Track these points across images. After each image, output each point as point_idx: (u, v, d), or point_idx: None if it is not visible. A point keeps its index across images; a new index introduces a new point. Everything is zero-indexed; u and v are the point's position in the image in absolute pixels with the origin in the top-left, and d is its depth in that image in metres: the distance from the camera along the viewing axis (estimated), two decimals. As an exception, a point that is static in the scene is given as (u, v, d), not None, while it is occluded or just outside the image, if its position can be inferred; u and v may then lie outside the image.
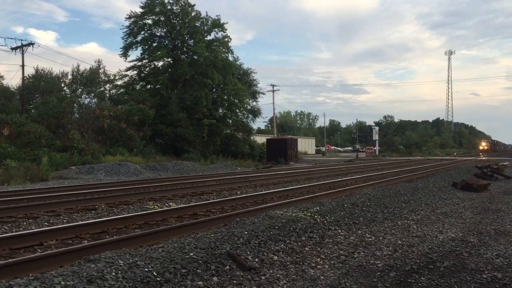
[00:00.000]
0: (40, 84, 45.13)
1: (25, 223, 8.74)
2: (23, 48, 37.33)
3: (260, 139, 54.80)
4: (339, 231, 8.20)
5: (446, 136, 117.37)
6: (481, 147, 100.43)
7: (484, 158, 53.01)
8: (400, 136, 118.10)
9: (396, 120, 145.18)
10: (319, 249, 6.87)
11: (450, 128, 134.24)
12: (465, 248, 7.13)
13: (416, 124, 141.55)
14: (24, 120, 28.03)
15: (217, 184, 17.17)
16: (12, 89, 46.11)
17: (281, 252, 6.45)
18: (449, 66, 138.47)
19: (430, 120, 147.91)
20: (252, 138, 49.37)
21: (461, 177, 19.43)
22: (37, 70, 46.80)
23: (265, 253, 6.29)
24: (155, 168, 27.02)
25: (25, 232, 7.42)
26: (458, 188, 16.53)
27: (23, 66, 37.63)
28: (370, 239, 7.73)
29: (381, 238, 7.88)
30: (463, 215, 10.82)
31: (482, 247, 7.26)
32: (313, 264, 6.04)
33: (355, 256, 6.57)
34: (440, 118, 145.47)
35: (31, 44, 37.59)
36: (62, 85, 46.61)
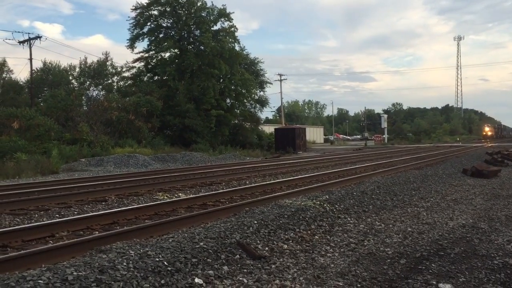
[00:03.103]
0: (48, 77, 45.36)
1: (36, 215, 8.83)
2: (31, 41, 37.48)
3: (268, 129, 54.78)
4: (349, 219, 8.20)
5: (455, 123, 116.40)
6: (484, 133, 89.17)
7: (488, 145, 48.11)
8: (409, 124, 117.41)
9: (404, 107, 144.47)
10: (329, 237, 6.88)
11: (459, 114, 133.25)
12: (476, 235, 7.10)
13: (425, 111, 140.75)
14: (33, 114, 28.20)
15: (226, 174, 17.21)
16: (21, 83, 46.39)
17: (290, 241, 6.47)
18: (458, 51, 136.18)
19: (439, 107, 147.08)
20: (260, 128, 49.34)
21: (471, 164, 19.29)
22: (45, 63, 47.03)
23: (274, 242, 6.30)
24: (164, 159, 27.13)
25: (36, 224, 7.51)
26: (468, 175, 16.42)
27: (31, 59, 37.84)
28: (380, 227, 7.72)
29: (390, 225, 7.87)
30: (474, 201, 10.76)
31: (493, 233, 7.22)
32: (323, 252, 6.04)
33: (365, 243, 6.56)
34: (450, 105, 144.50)
35: (38, 37, 37.77)
36: (70, 77, 46.79)
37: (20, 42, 37.33)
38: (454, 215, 8.94)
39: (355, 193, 10.29)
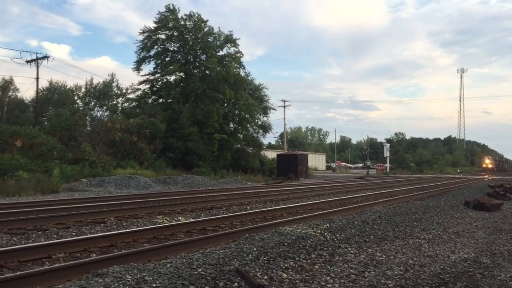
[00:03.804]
0: (53, 97, 45.73)
1: (34, 235, 8.74)
2: (38, 61, 37.89)
3: (271, 154, 54.78)
4: (349, 249, 8.09)
5: (458, 154, 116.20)
6: (484, 165, 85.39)
7: (488, 178, 45.91)
8: (411, 154, 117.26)
9: (407, 137, 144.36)
10: (329, 267, 6.77)
11: (462, 146, 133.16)
12: (478, 269, 6.99)
13: (427, 142, 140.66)
14: (36, 132, 28.33)
15: (227, 199, 17.11)
16: (26, 101, 46.78)
17: (290, 270, 6.37)
18: (461, 84, 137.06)
19: (442, 138, 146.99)
20: (262, 153, 49.38)
21: (473, 196, 19.16)
22: (51, 83, 47.52)
23: (274, 270, 6.21)
24: (165, 182, 27.07)
25: (34, 244, 7.42)
26: (470, 207, 16.29)
27: (37, 78, 38.17)
28: (381, 258, 7.61)
29: (392, 257, 7.76)
30: (476, 235, 10.64)
31: (495, 268, 7.11)
32: (323, 283, 5.94)
33: (366, 275, 6.46)
34: (452, 136, 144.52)
35: (46, 57, 38.16)
36: (75, 97, 47.17)
37: (27, 62, 37.74)
38: (456, 248, 8.82)
39: (356, 223, 10.19)
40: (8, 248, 7.01)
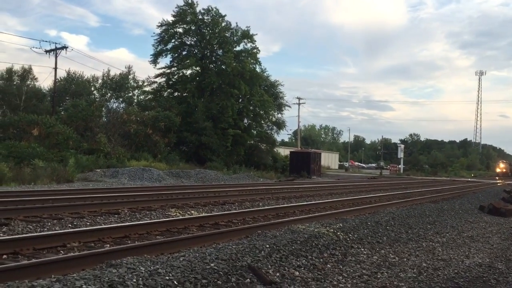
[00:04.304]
0: (71, 87, 46.12)
1: (49, 224, 8.85)
2: (57, 51, 38.23)
3: (284, 152, 54.72)
4: (362, 249, 8.05)
5: (473, 158, 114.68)
6: (498, 169, 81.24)
7: (501, 183, 44.48)
8: (426, 155, 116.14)
9: (422, 138, 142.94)
10: (341, 267, 6.75)
11: (478, 149, 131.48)
12: (493, 275, 6.90)
13: (442, 144, 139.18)
14: (53, 122, 28.64)
15: (239, 194, 17.15)
16: (44, 91, 47.25)
17: (302, 268, 6.35)
18: (479, 86, 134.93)
19: (457, 141, 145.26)
20: (275, 150, 49.32)
21: (488, 201, 18.93)
22: (68, 73, 47.90)
23: (286, 268, 6.20)
24: (178, 175, 27.19)
25: (49, 232, 7.52)
26: (485, 212, 16.10)
27: (55, 68, 38.51)
28: (394, 260, 7.56)
29: (405, 259, 7.70)
30: (490, 240, 10.51)
31: (510, 274, 7.02)
32: (335, 282, 5.91)
33: (378, 276, 6.42)
34: (468, 139, 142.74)
35: (64, 47, 38.47)
36: (92, 88, 47.54)
37: (46, 51, 38.09)
38: (470, 253, 8.72)
39: (369, 223, 10.13)
40: (24, 235, 7.12)
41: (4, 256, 6.03)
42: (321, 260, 6.92)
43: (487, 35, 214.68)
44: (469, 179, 56.07)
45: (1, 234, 7.67)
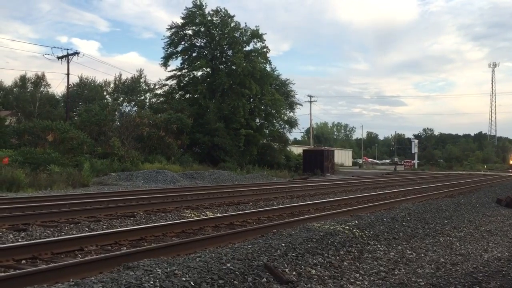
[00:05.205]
0: (83, 92, 46.61)
1: (66, 228, 8.94)
2: (69, 57, 38.64)
3: (297, 150, 54.60)
4: (379, 246, 7.99)
5: (488, 151, 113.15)
6: (511, 162, 78.67)
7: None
8: (440, 150, 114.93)
9: (436, 133, 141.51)
10: (358, 264, 6.71)
11: (493, 142, 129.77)
12: (513, 269, 6.80)
13: (457, 138, 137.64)
14: (67, 127, 28.92)
15: (253, 194, 17.15)
16: (57, 97, 47.86)
17: (319, 266, 6.33)
18: (493, 78, 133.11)
19: (472, 134, 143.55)
20: (288, 148, 49.22)
21: (505, 194, 18.69)
22: (81, 79, 48.46)
23: (302, 266, 6.19)
24: (192, 177, 27.29)
25: (66, 237, 7.60)
26: (503, 205, 15.90)
27: (68, 74, 38.95)
28: (411, 256, 7.50)
29: (422, 255, 7.64)
30: (509, 233, 10.38)
31: (531, 268, 6.91)
32: (352, 280, 5.88)
33: (396, 273, 6.37)
34: (483, 132, 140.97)
35: (76, 53, 38.91)
36: (105, 93, 47.97)
37: (58, 58, 38.56)
38: (489, 247, 8.62)
39: (385, 219, 10.06)
40: (42, 240, 7.19)
41: (23, 261, 6.10)
42: (338, 257, 6.89)
43: (499, 26, 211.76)
44: (486, 172, 55.36)
45: (20, 240, 7.77)
